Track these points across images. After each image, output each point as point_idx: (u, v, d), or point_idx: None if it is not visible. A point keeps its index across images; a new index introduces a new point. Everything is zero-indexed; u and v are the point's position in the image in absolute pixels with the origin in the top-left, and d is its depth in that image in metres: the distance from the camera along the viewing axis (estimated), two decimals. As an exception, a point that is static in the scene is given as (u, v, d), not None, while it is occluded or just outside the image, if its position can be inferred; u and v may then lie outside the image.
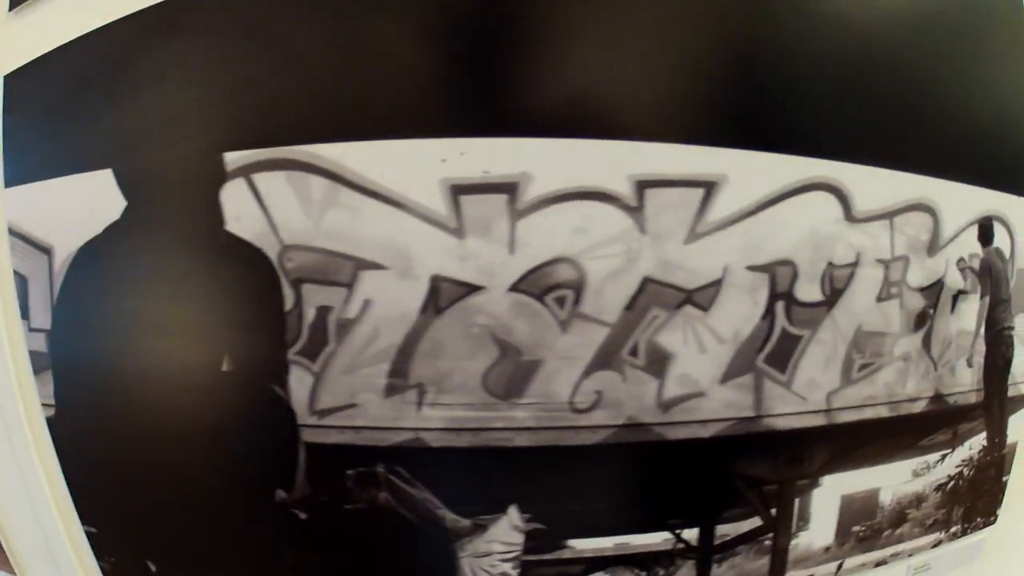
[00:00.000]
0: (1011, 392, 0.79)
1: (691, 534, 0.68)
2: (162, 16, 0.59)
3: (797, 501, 0.70)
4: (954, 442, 0.77)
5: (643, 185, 0.59)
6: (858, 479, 0.72)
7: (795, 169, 0.62)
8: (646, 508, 0.66)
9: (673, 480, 0.66)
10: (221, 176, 0.59)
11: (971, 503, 0.80)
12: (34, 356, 0.65)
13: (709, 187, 0.60)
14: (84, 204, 0.61)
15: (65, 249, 0.61)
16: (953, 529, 0.80)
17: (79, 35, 0.60)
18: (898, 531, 0.77)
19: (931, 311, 0.71)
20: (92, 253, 0.61)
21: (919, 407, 0.73)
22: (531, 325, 0.60)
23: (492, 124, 0.57)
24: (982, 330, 0.76)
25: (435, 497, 0.64)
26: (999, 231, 0.75)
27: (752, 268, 0.62)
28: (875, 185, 0.66)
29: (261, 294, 0.60)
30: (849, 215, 0.65)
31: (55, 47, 0.61)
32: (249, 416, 0.63)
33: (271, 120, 0.59)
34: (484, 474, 0.63)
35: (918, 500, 0.77)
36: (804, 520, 0.71)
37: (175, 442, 0.64)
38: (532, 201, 0.58)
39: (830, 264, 0.64)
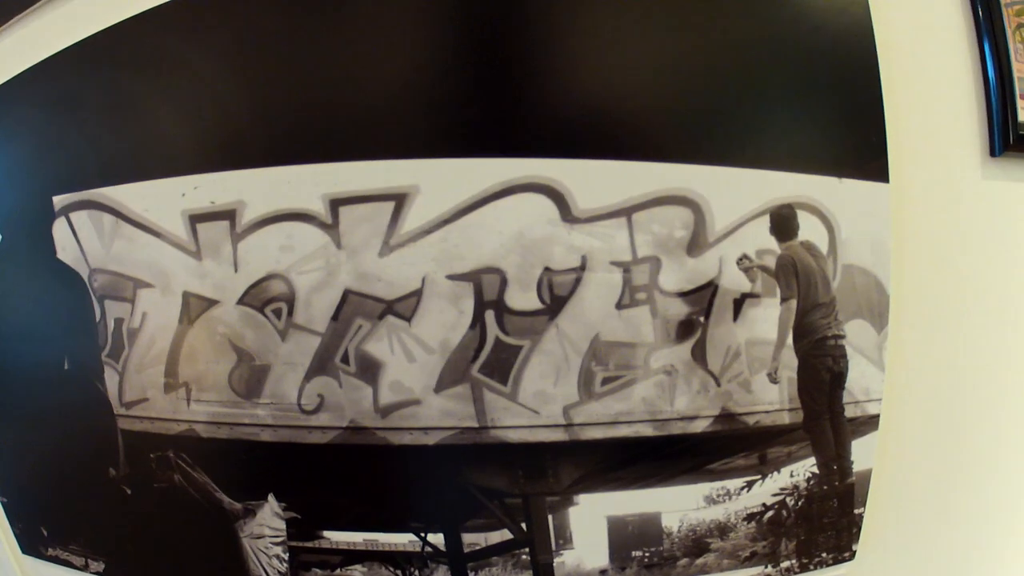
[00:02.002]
0: (850, 412, 0.61)
1: (438, 539, 0.63)
2: (8, 90, 0.71)
3: (551, 517, 0.61)
4: (763, 468, 0.61)
5: (337, 203, 0.57)
6: (628, 501, 0.60)
7: (495, 172, 0.55)
8: (388, 509, 0.63)
9: (407, 484, 0.62)
10: (52, 214, 0.69)
11: (807, 536, 0.62)
12: None
13: (399, 199, 0.56)
14: None
15: None
16: (785, 564, 0.63)
17: None
18: (700, 560, 0.63)
19: (700, 318, 0.58)
20: None
21: (700, 427, 0.59)
22: (257, 334, 0.61)
23: (215, 159, 0.60)
24: (790, 339, 0.60)
25: (212, 482, 0.67)
26: (808, 222, 0.59)
27: (452, 277, 0.56)
28: (602, 180, 0.55)
29: (81, 308, 0.70)
30: (567, 215, 0.56)
31: None
32: (84, 406, 0.73)
33: (80, 169, 0.68)
34: (243, 464, 0.66)
35: (722, 529, 0.62)
36: (564, 539, 0.61)
37: (43, 427, 0.76)
38: (247, 224, 0.60)
39: (547, 269, 0.56)
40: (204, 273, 0.62)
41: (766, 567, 0.63)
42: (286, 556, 0.66)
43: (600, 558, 0.62)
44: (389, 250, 0.57)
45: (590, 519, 0.61)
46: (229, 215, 0.60)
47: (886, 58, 0.59)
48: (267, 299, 0.60)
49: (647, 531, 0.62)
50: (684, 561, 0.63)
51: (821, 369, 0.60)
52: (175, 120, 0.63)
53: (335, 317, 0.59)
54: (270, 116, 0.59)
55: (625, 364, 0.58)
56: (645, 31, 0.57)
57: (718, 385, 0.59)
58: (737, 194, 0.57)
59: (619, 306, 0.57)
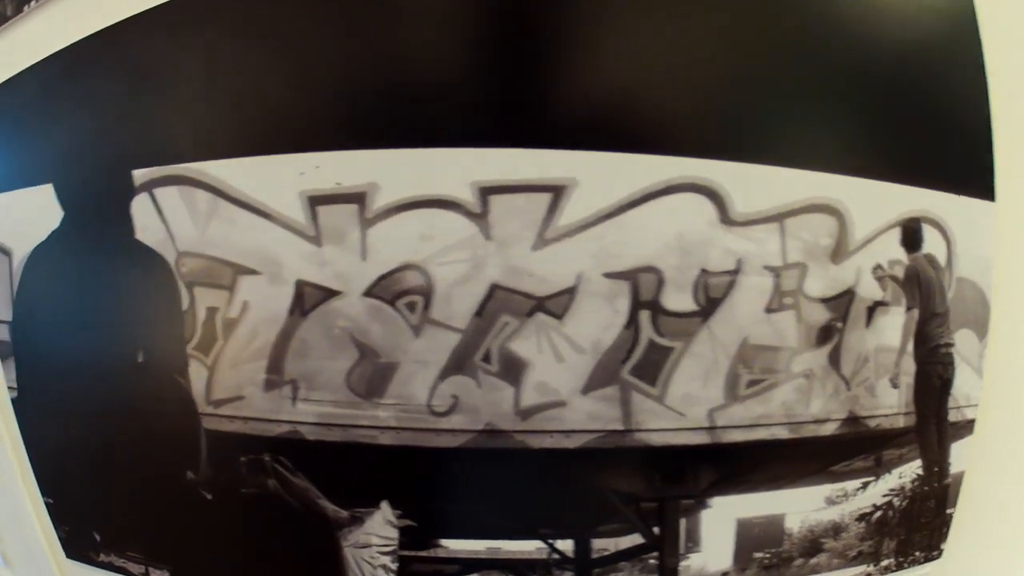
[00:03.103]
0: (953, 417, 0.61)
1: (566, 545, 0.58)
2: (76, 54, 0.59)
3: (683, 521, 0.58)
4: (878, 469, 0.61)
5: (486, 191, 0.51)
6: (756, 503, 0.59)
7: (656, 169, 0.52)
8: (516, 515, 0.58)
9: (541, 489, 0.57)
10: (131, 190, 0.58)
11: (906, 536, 0.63)
12: (0, 345, 0.67)
13: (556, 191, 0.51)
14: (34, 213, 0.62)
15: (21, 251, 0.63)
16: (885, 563, 0.63)
17: (25, 67, 0.62)
18: (813, 561, 0.61)
19: (839, 324, 0.57)
20: (39, 256, 0.63)
21: (829, 429, 0.58)
22: (385, 329, 0.54)
23: (343, 137, 0.53)
24: (910, 347, 0.59)
25: (315, 487, 0.59)
26: (930, 235, 0.59)
27: (609, 275, 0.52)
28: (760, 185, 0.53)
29: (164, 295, 0.59)
30: (726, 218, 0.53)
31: (11, 75, 0.63)
32: (160, 403, 0.62)
33: (168, 140, 0.58)
34: (356, 469, 0.58)
35: (835, 529, 0.61)
36: (694, 542, 0.59)
37: (105, 425, 0.64)
38: (380, 210, 0.53)
39: (703, 271, 0.53)
40: (324, 261, 0.54)
41: (868, 566, 0.63)
42: (394, 567, 0.59)
43: (724, 560, 0.59)
44: (543, 244, 0.52)
45: (720, 522, 0.58)
46: (358, 198, 0.53)
47: (994, 79, 0.60)
48: (400, 291, 0.53)
49: (770, 532, 0.60)
50: (799, 561, 0.61)
51: (933, 375, 0.60)
52: (291, 92, 0.54)
53: (479, 313, 0.52)
54: (409, 93, 0.52)
55: (769, 368, 0.55)
56: (789, 43, 0.54)
57: (848, 389, 0.57)
58: (874, 205, 0.56)
59: (768, 310, 0.54)
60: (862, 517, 0.62)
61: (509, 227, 0.51)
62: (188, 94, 0.57)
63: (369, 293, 0.53)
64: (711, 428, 0.56)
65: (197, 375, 0.59)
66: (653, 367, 0.54)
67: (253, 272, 0.56)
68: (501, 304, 0.52)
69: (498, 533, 0.58)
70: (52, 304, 0.66)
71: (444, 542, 0.59)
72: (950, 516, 0.65)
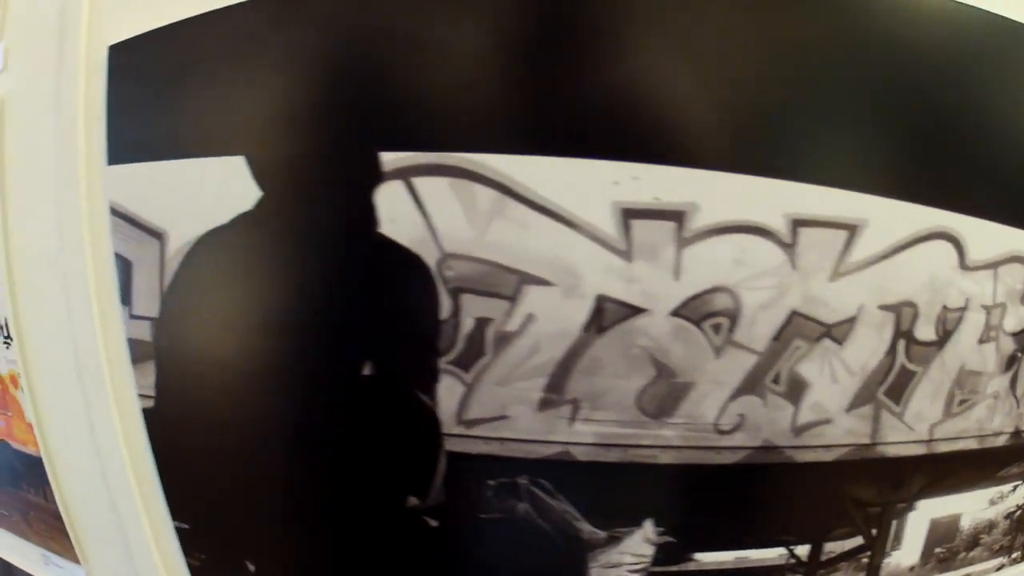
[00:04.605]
0: (1070, 431, 0.83)
1: (803, 551, 0.68)
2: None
3: (895, 523, 0.71)
4: (1024, 474, 0.80)
5: (797, 223, 0.59)
6: (946, 505, 0.73)
7: (924, 218, 0.62)
8: (767, 525, 0.66)
9: (794, 499, 0.66)
10: (376, 176, 0.55)
11: (1032, 531, 0.83)
12: (133, 344, 0.60)
13: (852, 230, 0.61)
14: (209, 190, 0.57)
15: (181, 235, 0.57)
16: (1015, 555, 0.82)
17: (207, 10, 0.55)
18: (970, 554, 0.78)
19: (1020, 354, 0.74)
20: (217, 242, 0.57)
21: (1001, 441, 0.75)
22: (687, 349, 0.59)
23: (664, 152, 0.57)
24: (1054, 373, 0.79)
25: (575, 510, 0.62)
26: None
27: (882, 307, 0.63)
28: (985, 237, 0.67)
29: (415, 300, 0.58)
30: (963, 263, 0.66)
31: (174, 21, 0.56)
32: (389, 422, 0.60)
33: (437, 122, 0.56)
34: (626, 489, 0.62)
35: (990, 526, 0.78)
36: (898, 540, 0.72)
37: (296, 444, 0.61)
38: (698, 230, 0.58)
39: (944, 308, 0.65)
40: (633, 277, 0.57)
41: (1004, 557, 0.80)
42: (640, 582, 0.64)
43: (913, 556, 0.73)
44: (837, 276, 0.60)
45: (920, 522, 0.71)
46: (677, 216, 0.57)
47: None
48: (708, 313, 0.58)
49: (949, 530, 0.75)
50: (962, 555, 0.77)
51: (1062, 397, 0.80)
52: (612, 92, 0.56)
53: (776, 337, 0.59)
54: (735, 115, 0.57)
55: (974, 389, 0.69)
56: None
57: (1018, 407, 0.74)
58: (1046, 258, 0.74)
59: (979, 341, 0.68)
60: (1009, 515, 0.80)
61: (812, 258, 0.59)
62: (473, 71, 0.56)
63: (677, 313, 0.58)
64: (930, 440, 0.70)
65: (449, 392, 0.59)
66: (899, 388, 0.64)
67: (544, 283, 0.58)
68: (796, 330, 0.60)
69: (748, 543, 0.66)
70: (230, 301, 0.60)
71: (697, 555, 0.66)
72: (1059, 513, 0.87)
